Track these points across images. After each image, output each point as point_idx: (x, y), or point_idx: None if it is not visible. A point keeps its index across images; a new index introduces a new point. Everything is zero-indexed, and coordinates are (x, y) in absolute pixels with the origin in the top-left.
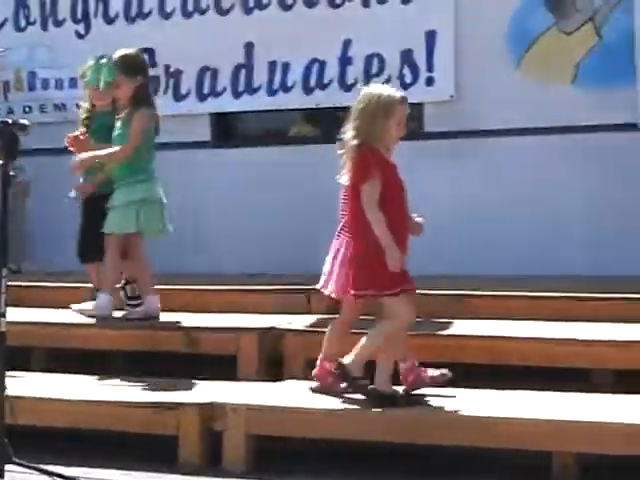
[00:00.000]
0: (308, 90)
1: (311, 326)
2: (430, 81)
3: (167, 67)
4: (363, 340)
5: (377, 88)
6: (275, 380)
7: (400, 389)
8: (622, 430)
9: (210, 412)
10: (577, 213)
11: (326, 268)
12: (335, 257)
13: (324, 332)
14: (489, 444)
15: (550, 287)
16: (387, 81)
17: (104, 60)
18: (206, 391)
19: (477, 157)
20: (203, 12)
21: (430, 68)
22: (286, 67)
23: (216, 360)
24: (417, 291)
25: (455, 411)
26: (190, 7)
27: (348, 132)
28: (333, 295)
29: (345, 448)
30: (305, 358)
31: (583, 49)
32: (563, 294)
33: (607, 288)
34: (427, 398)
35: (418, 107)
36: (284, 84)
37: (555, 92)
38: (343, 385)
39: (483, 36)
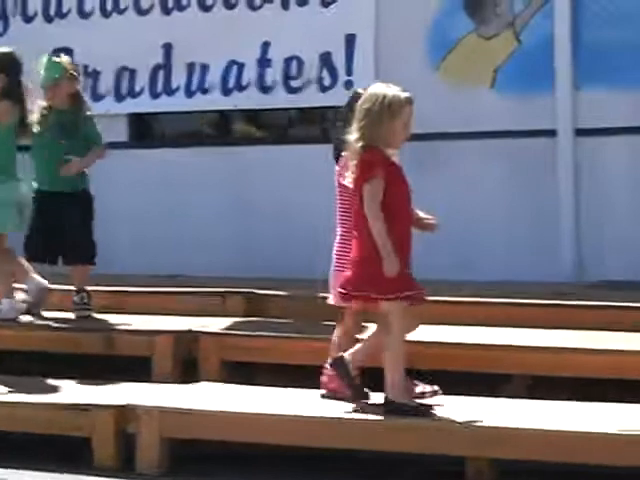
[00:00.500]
0: (226, 92)
1: (226, 328)
2: (349, 84)
3: (86, 67)
4: (364, 341)
5: (382, 88)
6: (190, 382)
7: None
8: (538, 436)
9: (124, 414)
10: (494, 218)
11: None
12: (339, 270)
13: (239, 334)
14: (402, 449)
15: (468, 293)
16: (306, 84)
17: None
18: (121, 393)
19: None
20: (122, 12)
21: (349, 71)
22: (205, 68)
23: (133, 362)
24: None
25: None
26: (109, 7)
27: (353, 133)
28: (333, 303)
29: (263, 451)
30: (220, 360)
31: (502, 54)
32: (479, 299)
33: (521, 294)
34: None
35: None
36: (202, 85)
37: (474, 97)
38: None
39: (403, 40)
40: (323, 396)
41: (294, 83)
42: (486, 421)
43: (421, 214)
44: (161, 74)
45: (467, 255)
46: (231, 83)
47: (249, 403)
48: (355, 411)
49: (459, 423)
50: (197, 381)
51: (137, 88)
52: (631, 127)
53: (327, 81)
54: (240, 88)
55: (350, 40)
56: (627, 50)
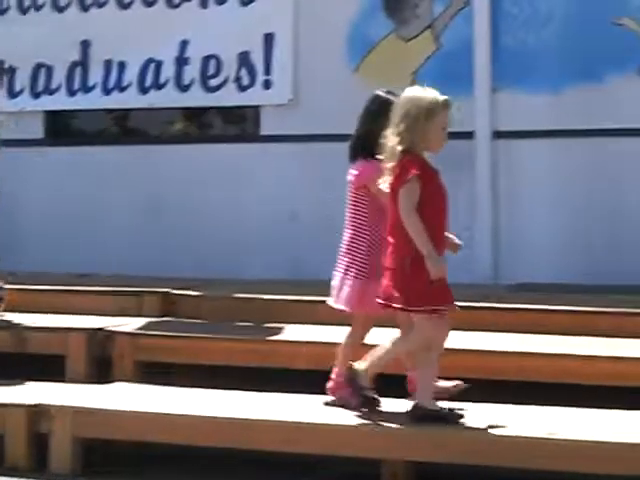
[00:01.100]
0: (144, 90)
1: (141, 328)
2: (268, 84)
3: (1, 63)
4: (381, 348)
5: (419, 91)
6: (105, 382)
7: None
8: (456, 438)
9: (36, 413)
10: None
11: (335, 282)
12: (346, 272)
13: (154, 334)
14: (317, 450)
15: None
16: (224, 83)
17: None
18: (34, 392)
19: (315, 161)
20: (39, 8)
21: (268, 71)
22: (122, 66)
23: (47, 362)
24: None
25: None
26: (26, 3)
27: (391, 137)
28: (345, 309)
29: (181, 451)
30: (134, 360)
31: (422, 56)
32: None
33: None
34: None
35: (255, 110)
36: (120, 83)
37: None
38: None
39: (322, 40)
40: (327, 403)
41: (212, 82)
42: (403, 423)
43: (449, 234)
44: (78, 71)
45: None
46: (149, 81)
47: (162, 403)
48: (267, 412)
49: (376, 424)
50: (112, 381)
51: (53, 85)
52: (549, 130)
53: (245, 80)
54: (158, 86)
55: (269, 39)
56: (545, 53)
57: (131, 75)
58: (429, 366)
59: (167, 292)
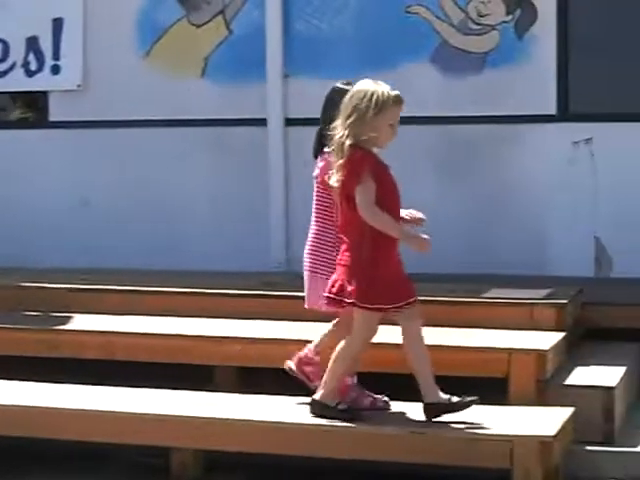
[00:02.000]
0: None
1: None
2: (56, 69)
3: None
4: (330, 363)
5: (370, 85)
6: None
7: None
8: (249, 428)
9: None
10: (202, 207)
11: (307, 284)
12: (315, 271)
13: None
14: (104, 439)
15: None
16: (11, 68)
17: None
18: None
19: (104, 147)
20: None
21: (56, 56)
22: None
23: None
24: None
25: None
26: None
27: (339, 130)
28: (327, 309)
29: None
30: None
31: (213, 42)
32: (178, 289)
33: (225, 284)
34: None
35: (43, 96)
36: None
37: (184, 85)
38: (367, 401)
39: (112, 25)
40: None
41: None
42: (191, 411)
43: (403, 212)
44: None
45: (176, 244)
46: None
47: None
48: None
49: (171, 414)
50: None
51: None
52: None
53: (33, 65)
54: None
55: (58, 24)
56: (339, 40)
57: None
58: (423, 362)
59: None
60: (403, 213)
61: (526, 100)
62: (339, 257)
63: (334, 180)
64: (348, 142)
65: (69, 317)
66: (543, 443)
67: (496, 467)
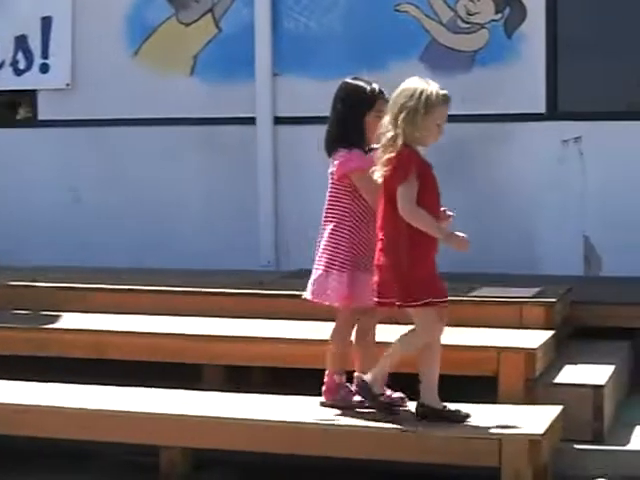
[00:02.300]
0: None
1: None
2: (45, 68)
3: None
4: (387, 352)
5: (420, 83)
6: None
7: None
8: (238, 426)
9: None
10: (192, 206)
11: (315, 277)
12: (329, 267)
13: None
14: (93, 437)
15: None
16: (0, 67)
17: None
18: None
19: (94, 146)
20: None
21: (45, 55)
22: None
23: None
24: None
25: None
26: None
27: (388, 127)
28: (333, 304)
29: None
30: None
31: (202, 40)
32: (167, 288)
33: (215, 283)
34: None
35: (32, 94)
36: None
37: (173, 83)
38: (357, 398)
39: (102, 24)
40: (323, 404)
41: None
42: (180, 410)
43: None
44: None
45: (166, 243)
46: None
47: None
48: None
49: (160, 413)
50: None
51: None
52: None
53: (22, 64)
54: None
55: (46, 23)
56: (328, 39)
57: None
58: (432, 364)
59: None
60: None
61: (515, 99)
62: (377, 257)
63: (378, 175)
64: (400, 141)
65: (58, 316)
66: (532, 441)
67: (485, 465)
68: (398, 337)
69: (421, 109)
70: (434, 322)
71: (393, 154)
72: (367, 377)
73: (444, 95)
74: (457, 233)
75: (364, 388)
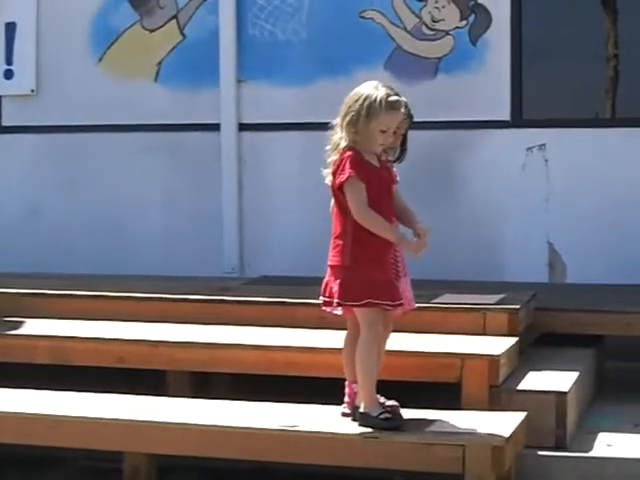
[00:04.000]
0: None
1: None
2: (9, 74)
3: None
4: (358, 371)
5: (368, 88)
6: None
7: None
8: (195, 431)
9: None
10: (156, 213)
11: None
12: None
13: None
14: (54, 443)
15: (120, 287)
16: None
17: None
18: None
19: (59, 152)
20: None
21: (9, 61)
22: None
23: None
24: None
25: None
26: None
27: (336, 129)
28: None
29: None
30: None
31: (166, 47)
32: (130, 294)
33: (179, 290)
34: None
35: None
36: None
37: (137, 90)
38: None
39: (66, 30)
40: (345, 414)
41: None
42: (143, 416)
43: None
44: None
45: (129, 249)
46: None
47: None
48: None
49: (123, 419)
50: None
51: None
52: (294, 122)
53: None
54: None
55: (10, 29)
56: (292, 45)
57: None
58: (365, 367)
59: None
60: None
61: (480, 106)
62: (331, 259)
63: (328, 180)
64: (343, 143)
65: (21, 322)
66: (495, 448)
67: (448, 472)
68: (356, 357)
69: (363, 114)
70: (377, 323)
71: (336, 157)
72: (361, 407)
73: (391, 102)
74: (405, 238)
75: (364, 418)
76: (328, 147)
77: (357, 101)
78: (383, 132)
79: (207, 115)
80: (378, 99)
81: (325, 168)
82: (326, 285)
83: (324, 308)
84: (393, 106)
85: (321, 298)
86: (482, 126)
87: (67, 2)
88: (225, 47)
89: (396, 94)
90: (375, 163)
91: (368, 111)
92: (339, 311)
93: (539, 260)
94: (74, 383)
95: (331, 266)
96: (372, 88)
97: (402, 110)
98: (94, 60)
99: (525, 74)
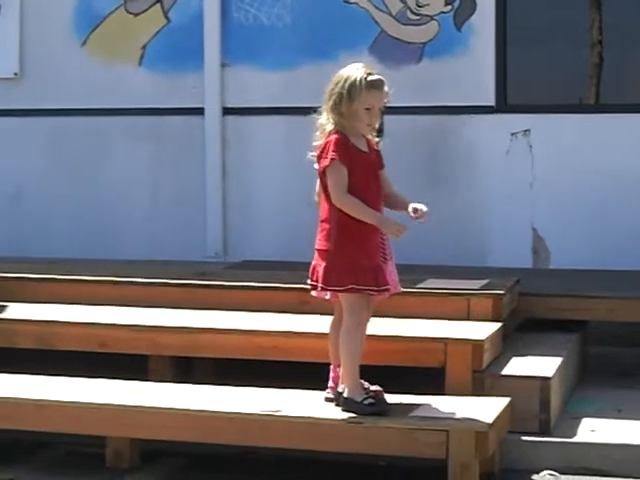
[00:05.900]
0: None
1: None
2: None
3: None
4: (342, 357)
5: (349, 69)
6: None
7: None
8: (179, 416)
9: None
10: (140, 197)
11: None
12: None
13: None
14: (37, 427)
15: (102, 272)
16: None
17: None
18: None
19: (42, 135)
20: None
21: None
22: None
23: None
24: None
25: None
26: None
27: (322, 114)
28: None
29: None
30: None
31: (151, 31)
32: (113, 278)
33: (162, 273)
34: None
35: None
36: None
37: (121, 73)
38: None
39: (49, 14)
40: (328, 399)
41: None
42: (125, 400)
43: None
44: None
45: (112, 233)
46: None
47: None
48: None
49: (106, 403)
50: None
51: None
52: (279, 107)
53: None
54: None
55: None
56: (277, 30)
57: None
58: (349, 352)
59: None
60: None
61: (465, 91)
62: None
63: (315, 165)
64: (329, 127)
65: (3, 306)
66: (479, 433)
67: (432, 457)
68: (340, 343)
69: (345, 95)
70: (360, 309)
71: (322, 141)
72: (345, 392)
73: (371, 81)
74: (389, 220)
75: (348, 404)
76: (317, 132)
77: (338, 83)
78: (368, 110)
79: (191, 99)
80: (358, 79)
81: (312, 153)
82: (313, 269)
83: (312, 292)
84: (373, 85)
85: (308, 282)
86: (466, 111)
87: None
88: (209, 31)
89: (378, 74)
90: (362, 147)
91: (349, 92)
92: (328, 295)
93: (523, 245)
94: (55, 368)
95: (318, 250)
96: (353, 69)
97: (385, 88)
98: (78, 44)
99: (510, 59)
